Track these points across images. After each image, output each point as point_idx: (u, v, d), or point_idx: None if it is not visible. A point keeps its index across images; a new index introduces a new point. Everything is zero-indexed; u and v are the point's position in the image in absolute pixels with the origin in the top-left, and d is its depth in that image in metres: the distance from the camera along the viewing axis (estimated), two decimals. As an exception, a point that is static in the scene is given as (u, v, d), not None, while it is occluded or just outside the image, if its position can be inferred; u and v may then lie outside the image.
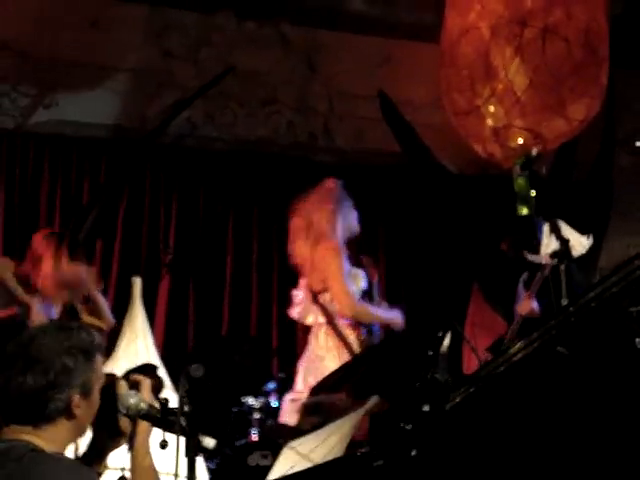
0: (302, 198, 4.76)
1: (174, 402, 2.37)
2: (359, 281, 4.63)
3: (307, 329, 4.78)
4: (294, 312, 4.74)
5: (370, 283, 4.79)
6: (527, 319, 4.59)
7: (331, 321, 4.55)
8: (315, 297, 4.61)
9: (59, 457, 2.13)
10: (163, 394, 2.48)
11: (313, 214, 4.67)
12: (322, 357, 4.52)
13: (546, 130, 5.90)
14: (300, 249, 4.68)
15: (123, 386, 2.34)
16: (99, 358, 2.24)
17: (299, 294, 4.69)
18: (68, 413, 2.15)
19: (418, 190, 6.58)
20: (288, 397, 4.64)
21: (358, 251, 4.96)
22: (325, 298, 4.59)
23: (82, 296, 4.69)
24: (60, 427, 2.15)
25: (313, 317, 4.64)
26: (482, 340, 5.68)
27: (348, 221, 4.68)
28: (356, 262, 4.79)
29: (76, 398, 2.16)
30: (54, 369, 2.13)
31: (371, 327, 4.64)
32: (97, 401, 2.23)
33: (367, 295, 4.72)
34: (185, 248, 6.24)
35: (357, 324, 4.57)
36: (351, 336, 4.53)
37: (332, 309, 4.56)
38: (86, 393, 2.18)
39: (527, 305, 4.58)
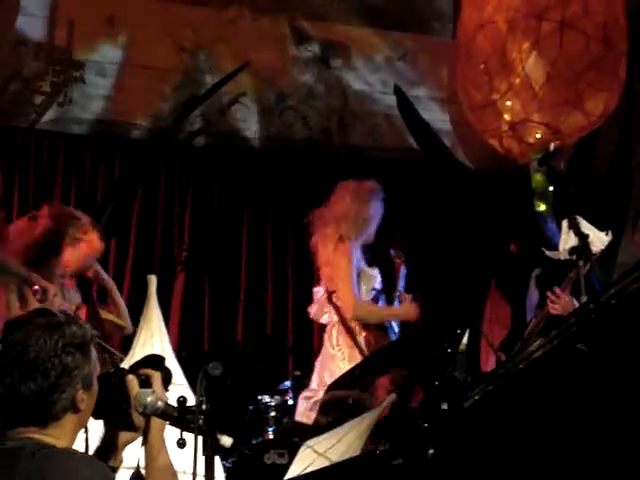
0: (325, 197, 4.74)
1: (190, 400, 2.35)
2: (371, 281, 4.60)
3: (323, 327, 4.77)
4: (311, 310, 4.73)
5: (395, 275, 4.77)
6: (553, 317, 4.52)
7: (343, 320, 4.53)
8: (329, 296, 4.60)
9: (72, 451, 2.12)
10: (177, 391, 2.45)
11: (330, 212, 4.66)
12: (334, 356, 4.52)
13: (564, 125, 5.88)
14: (317, 247, 4.67)
15: (134, 384, 2.32)
16: (93, 349, 2.22)
17: (320, 291, 4.68)
18: (74, 409, 2.14)
19: (434, 186, 6.55)
20: (303, 395, 4.63)
21: (384, 245, 4.93)
22: (337, 298, 4.58)
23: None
24: (66, 423, 2.14)
25: (328, 316, 4.63)
26: (499, 337, 5.65)
27: (366, 221, 4.65)
28: (382, 255, 4.77)
29: (79, 393, 2.14)
30: (55, 371, 2.11)
31: (385, 324, 4.61)
32: (97, 389, 2.22)
33: (390, 286, 4.68)
34: (200, 245, 6.23)
35: (366, 326, 4.55)
36: (361, 336, 4.52)
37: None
38: (88, 386, 2.17)
39: (560, 303, 4.47)
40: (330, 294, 4.60)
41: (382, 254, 4.83)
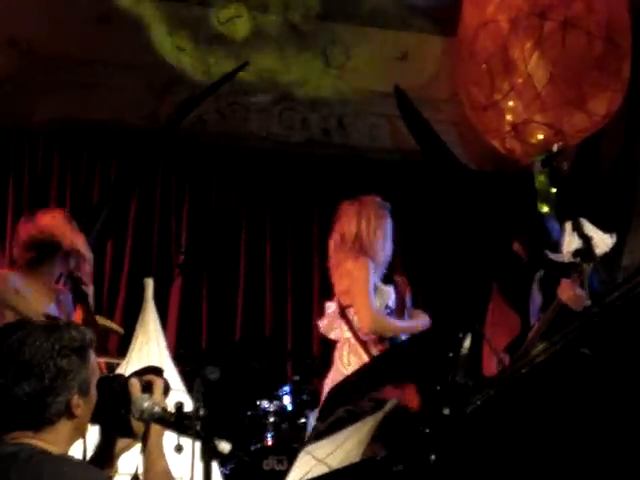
0: (341, 210, 4.70)
1: (187, 405, 2.32)
2: (385, 297, 4.57)
3: (330, 341, 4.72)
4: (321, 324, 4.69)
5: (403, 300, 4.75)
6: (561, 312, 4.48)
7: (356, 336, 4.49)
8: (342, 311, 4.56)
9: (68, 457, 2.12)
10: (175, 397, 2.44)
11: (346, 227, 4.62)
12: (344, 374, 4.46)
13: (567, 125, 5.87)
14: (333, 261, 4.64)
15: (137, 389, 2.31)
16: (92, 354, 2.22)
17: (332, 306, 4.64)
18: (69, 414, 2.13)
19: (435, 187, 6.53)
20: (315, 412, 4.57)
21: (391, 270, 4.92)
22: (351, 313, 4.54)
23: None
24: (61, 428, 2.13)
25: (338, 331, 4.58)
26: (502, 340, 5.62)
27: (383, 239, 4.62)
28: (389, 280, 4.77)
29: (75, 398, 2.14)
30: (49, 373, 2.10)
31: (396, 339, 4.58)
32: (95, 396, 2.22)
33: (399, 311, 4.67)
34: (198, 248, 6.22)
35: (381, 340, 4.51)
36: (375, 352, 4.47)
37: (357, 324, 4.51)
38: (84, 392, 2.16)
39: (569, 290, 4.43)
40: (343, 309, 4.57)
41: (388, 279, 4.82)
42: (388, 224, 4.66)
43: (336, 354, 4.57)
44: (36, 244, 4.26)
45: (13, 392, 2.08)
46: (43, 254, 4.27)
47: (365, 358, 4.42)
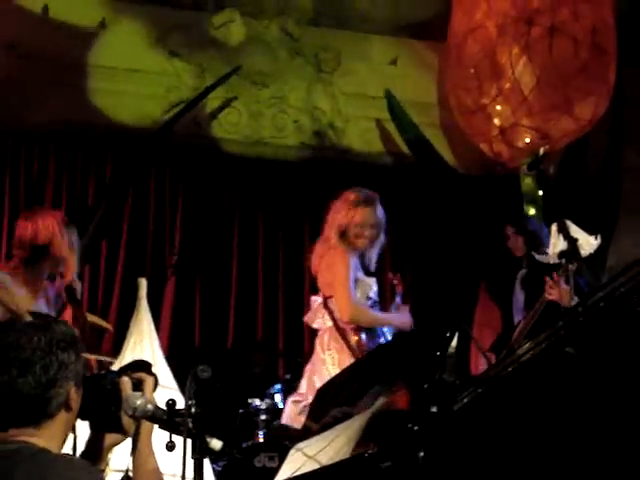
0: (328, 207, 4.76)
1: (180, 403, 2.36)
2: (366, 289, 4.62)
3: (314, 332, 4.78)
4: (306, 316, 4.75)
5: (393, 294, 4.82)
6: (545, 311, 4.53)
7: (336, 325, 4.54)
8: (325, 301, 4.61)
9: (69, 457, 2.13)
10: (167, 394, 2.46)
11: (329, 221, 4.68)
12: (324, 360, 4.52)
13: (553, 129, 5.90)
14: (315, 254, 4.69)
15: (128, 386, 2.32)
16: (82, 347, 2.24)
17: (317, 299, 4.69)
18: (66, 406, 2.15)
19: (425, 190, 6.55)
20: (291, 399, 4.63)
21: (385, 269, 4.96)
22: (333, 302, 4.59)
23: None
24: (58, 422, 2.14)
25: (321, 321, 4.63)
26: (489, 340, 5.67)
27: (365, 228, 4.66)
28: (383, 278, 4.82)
29: (72, 390, 2.16)
30: (52, 367, 2.12)
31: (377, 331, 4.63)
32: (82, 389, 2.23)
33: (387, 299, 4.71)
34: (191, 249, 6.22)
35: (359, 329, 4.56)
36: (353, 340, 4.52)
37: (337, 314, 4.56)
38: (78, 384, 2.18)
39: (556, 290, 4.48)
40: (326, 299, 4.61)
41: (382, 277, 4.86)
42: (373, 213, 4.70)
43: (317, 341, 4.62)
44: (28, 245, 4.30)
45: (17, 387, 2.09)
46: (34, 255, 4.31)
47: (344, 345, 4.49)
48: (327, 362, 4.48)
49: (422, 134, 6.52)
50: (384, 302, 4.88)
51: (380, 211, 4.68)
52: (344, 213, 4.61)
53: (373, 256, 4.72)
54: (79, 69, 6.07)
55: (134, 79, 6.19)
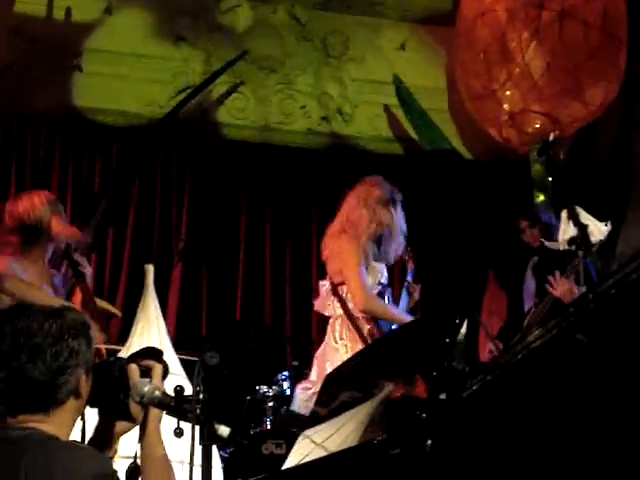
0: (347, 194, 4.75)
1: (187, 389, 2.35)
2: (377, 275, 4.61)
3: (322, 318, 4.77)
4: (316, 303, 4.74)
5: (405, 271, 4.84)
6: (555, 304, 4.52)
7: (348, 313, 4.53)
8: (335, 288, 4.60)
9: (78, 445, 2.14)
10: (175, 381, 2.46)
11: (343, 208, 4.67)
12: (336, 349, 4.52)
13: (563, 115, 5.87)
14: (327, 240, 4.68)
15: (136, 373, 2.32)
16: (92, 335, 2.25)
17: (326, 284, 4.68)
18: (76, 393, 2.16)
19: (433, 177, 6.53)
20: (301, 386, 4.62)
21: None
22: (344, 290, 4.58)
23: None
24: (68, 409, 2.15)
25: (331, 308, 4.62)
26: (498, 327, 5.66)
27: (383, 218, 4.65)
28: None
29: (82, 378, 2.17)
30: (63, 354, 2.12)
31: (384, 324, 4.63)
32: (91, 376, 2.23)
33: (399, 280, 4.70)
34: (198, 235, 6.22)
35: (371, 317, 4.56)
36: (365, 329, 4.52)
37: (349, 301, 4.55)
38: (88, 371, 2.19)
39: (560, 287, 4.48)
40: (335, 286, 4.60)
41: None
42: (392, 213, 4.69)
43: (329, 329, 4.62)
44: (20, 228, 4.29)
45: (28, 373, 2.09)
46: (30, 238, 4.30)
47: (356, 334, 4.48)
48: (340, 351, 4.48)
49: (431, 120, 6.49)
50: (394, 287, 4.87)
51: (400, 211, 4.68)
52: (369, 212, 4.60)
53: (390, 250, 4.71)
54: (85, 54, 6.05)
55: (140, 64, 6.17)
